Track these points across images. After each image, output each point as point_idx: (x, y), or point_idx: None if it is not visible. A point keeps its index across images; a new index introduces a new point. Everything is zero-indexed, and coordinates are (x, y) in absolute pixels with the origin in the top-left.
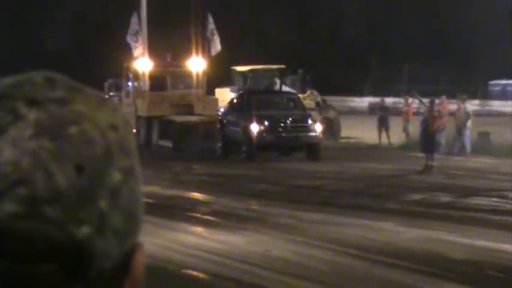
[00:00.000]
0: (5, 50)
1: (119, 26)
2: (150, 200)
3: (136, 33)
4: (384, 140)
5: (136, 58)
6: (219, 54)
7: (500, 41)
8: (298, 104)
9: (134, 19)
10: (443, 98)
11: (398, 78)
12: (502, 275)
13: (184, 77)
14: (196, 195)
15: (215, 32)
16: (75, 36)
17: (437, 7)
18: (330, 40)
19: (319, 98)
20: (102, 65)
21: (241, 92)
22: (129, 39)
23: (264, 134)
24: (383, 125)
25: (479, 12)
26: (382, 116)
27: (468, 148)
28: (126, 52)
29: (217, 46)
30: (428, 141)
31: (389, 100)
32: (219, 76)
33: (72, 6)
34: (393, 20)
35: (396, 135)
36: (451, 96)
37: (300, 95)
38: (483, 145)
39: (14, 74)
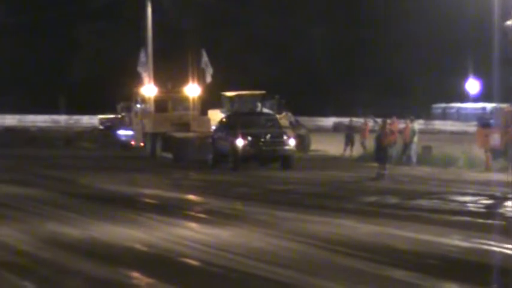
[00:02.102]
0: (42, 76)
1: (129, 59)
2: (153, 201)
3: (143, 65)
4: (348, 152)
5: (145, 84)
6: (210, 83)
7: (441, 73)
8: (275, 123)
9: (142, 53)
10: (394, 118)
11: (356, 102)
12: (440, 262)
13: (182, 101)
14: (191, 197)
15: (209, 64)
16: (95, 69)
17: (388, 48)
18: (302, 72)
19: (292, 118)
20: (115, 90)
21: (229, 113)
22: (140, 69)
23: (248, 148)
24: (349, 140)
25: (422, 52)
26: (349, 134)
27: (414, 159)
28: (135, 80)
29: (208, 78)
30: (381, 154)
31: (353, 120)
32: (211, 100)
33: (94, 43)
34: (352, 57)
35: (355, 148)
36: (400, 117)
37: (277, 116)
38: (426, 157)
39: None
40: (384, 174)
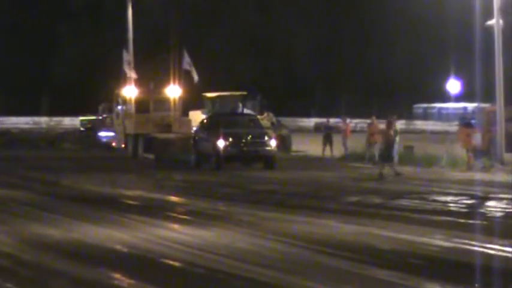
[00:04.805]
0: (23, 77)
1: (111, 60)
2: (136, 202)
3: (129, 64)
4: (328, 153)
5: (134, 80)
6: (191, 83)
7: (422, 73)
8: (256, 123)
9: (125, 53)
10: (374, 118)
11: (338, 103)
12: (422, 262)
13: (164, 102)
14: (174, 197)
15: (191, 64)
16: (77, 69)
17: (369, 49)
18: (284, 72)
19: (274, 119)
20: (97, 91)
21: (210, 114)
22: (126, 69)
23: (229, 148)
24: (328, 140)
25: (403, 53)
26: (327, 134)
27: (396, 159)
28: (117, 81)
29: (195, 77)
30: (387, 152)
31: (331, 120)
32: (192, 101)
33: (74, 44)
34: (334, 57)
35: (336, 148)
36: (381, 117)
37: (259, 117)
38: (408, 156)
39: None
40: (399, 173)
